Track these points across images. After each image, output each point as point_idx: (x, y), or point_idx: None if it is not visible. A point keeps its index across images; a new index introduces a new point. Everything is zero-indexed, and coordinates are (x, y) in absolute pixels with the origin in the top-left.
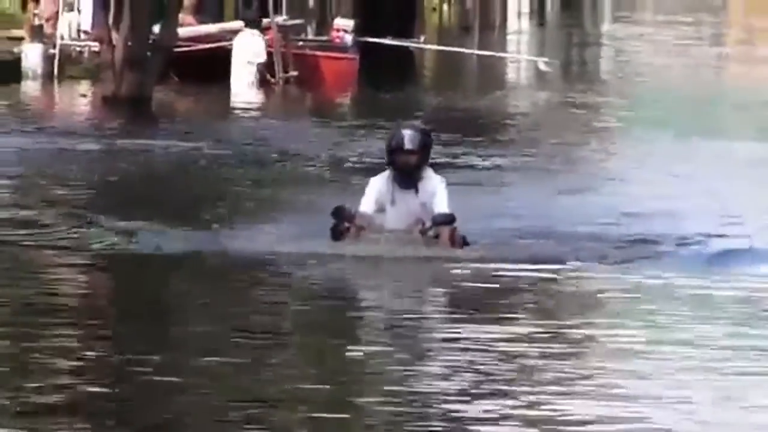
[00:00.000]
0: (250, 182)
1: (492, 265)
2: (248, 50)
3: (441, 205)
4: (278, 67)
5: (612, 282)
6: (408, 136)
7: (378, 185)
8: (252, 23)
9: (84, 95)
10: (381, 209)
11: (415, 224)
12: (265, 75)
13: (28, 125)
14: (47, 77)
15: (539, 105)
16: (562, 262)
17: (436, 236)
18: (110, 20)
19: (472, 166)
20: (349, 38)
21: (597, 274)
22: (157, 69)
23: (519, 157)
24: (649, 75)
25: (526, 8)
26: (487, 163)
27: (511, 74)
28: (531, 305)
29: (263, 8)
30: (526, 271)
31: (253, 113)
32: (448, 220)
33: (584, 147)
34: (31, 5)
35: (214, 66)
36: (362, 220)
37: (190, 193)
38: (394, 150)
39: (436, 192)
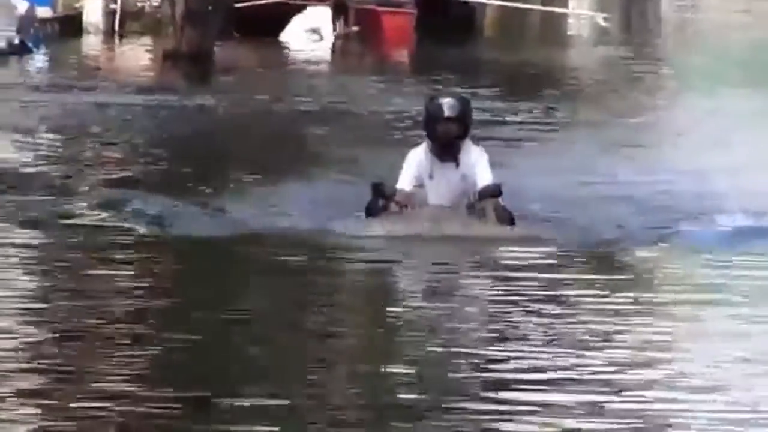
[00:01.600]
0: (305, 139)
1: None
2: (312, 17)
3: (484, 176)
4: (339, 22)
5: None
6: (447, 104)
7: (416, 159)
8: None
9: (146, 51)
10: (419, 184)
11: (460, 198)
12: (326, 31)
13: (91, 82)
14: (108, 33)
15: (598, 60)
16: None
17: (482, 210)
18: None
19: (520, 123)
20: None
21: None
22: (218, 24)
23: (576, 113)
24: (711, 30)
25: None
26: (542, 120)
27: (571, 29)
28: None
29: None
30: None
31: (316, 68)
32: (495, 191)
33: (642, 103)
34: None
35: (275, 22)
36: (402, 197)
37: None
38: (433, 119)
39: (477, 163)
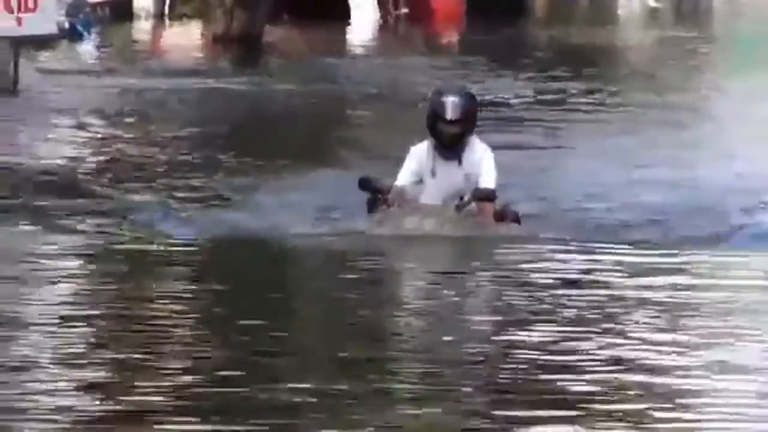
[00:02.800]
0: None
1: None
2: None
3: (487, 177)
4: (390, 5)
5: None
6: (450, 104)
7: (418, 155)
8: None
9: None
10: (420, 181)
11: (453, 198)
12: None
13: (141, 65)
14: (158, 16)
15: (648, 41)
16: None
17: (477, 211)
18: None
19: (566, 103)
20: None
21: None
22: (268, 7)
23: (623, 96)
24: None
25: None
26: (587, 101)
27: (621, 10)
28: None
29: None
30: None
31: (368, 52)
32: (488, 196)
33: (689, 87)
34: None
35: (325, 3)
36: (394, 193)
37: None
38: (435, 119)
39: (481, 162)
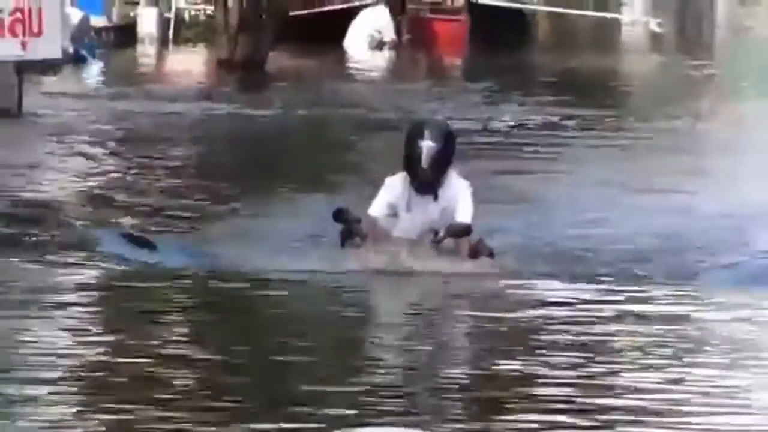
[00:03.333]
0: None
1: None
2: (372, 19)
3: (463, 213)
4: (393, 31)
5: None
6: (426, 151)
7: (393, 188)
8: None
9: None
10: (394, 214)
11: (428, 232)
12: (381, 40)
13: (144, 89)
14: (162, 41)
15: (651, 68)
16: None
17: (452, 246)
18: None
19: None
20: (461, 1)
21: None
22: (272, 32)
23: (621, 128)
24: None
25: None
26: (582, 134)
27: (624, 36)
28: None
29: None
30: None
31: (371, 76)
32: (463, 231)
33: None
34: None
35: (330, 30)
36: (368, 225)
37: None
38: (411, 163)
39: (458, 197)
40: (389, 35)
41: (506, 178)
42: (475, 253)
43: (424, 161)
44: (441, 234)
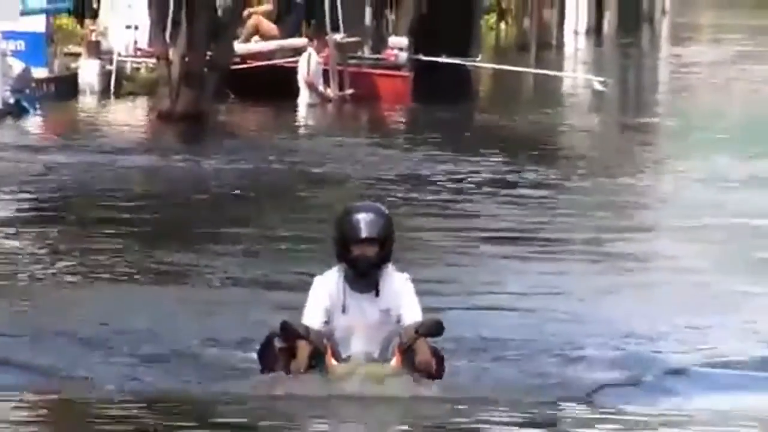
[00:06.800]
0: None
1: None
2: (305, 68)
3: (412, 310)
4: (334, 85)
5: None
6: (365, 222)
7: (326, 288)
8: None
9: (142, 111)
10: (328, 320)
11: (380, 340)
12: (320, 93)
13: (85, 141)
14: (103, 93)
15: (592, 126)
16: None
17: (412, 352)
18: (167, 37)
19: (515, 194)
20: (403, 56)
21: None
22: (214, 86)
23: (563, 192)
24: (708, 95)
25: (583, 27)
26: (532, 192)
27: (566, 93)
28: None
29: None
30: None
31: (306, 131)
32: (436, 329)
33: (633, 179)
34: (88, 21)
35: (271, 83)
36: (316, 338)
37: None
38: (347, 240)
39: (401, 294)
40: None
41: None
42: (437, 357)
43: (364, 230)
44: (404, 338)
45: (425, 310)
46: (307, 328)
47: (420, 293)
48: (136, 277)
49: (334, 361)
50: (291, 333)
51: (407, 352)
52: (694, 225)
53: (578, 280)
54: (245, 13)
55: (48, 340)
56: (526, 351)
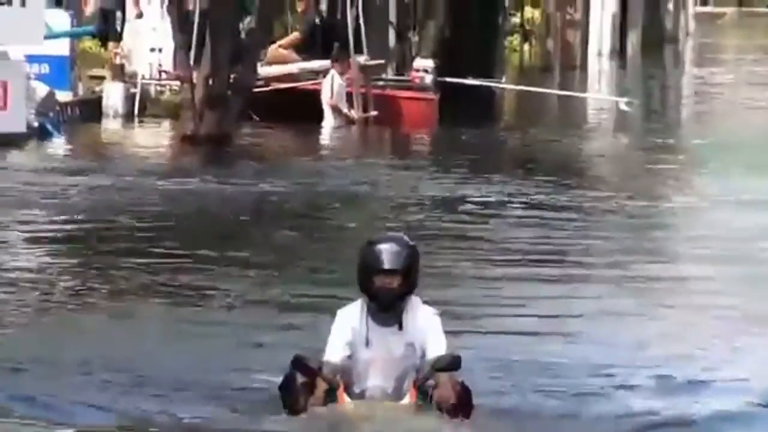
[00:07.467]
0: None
1: None
2: (328, 90)
3: (437, 345)
4: (358, 107)
5: None
6: (387, 253)
7: (349, 321)
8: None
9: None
10: (351, 354)
11: (393, 377)
12: (344, 115)
13: (110, 164)
14: (128, 116)
15: (617, 147)
16: None
17: (432, 388)
18: (191, 60)
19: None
20: (429, 78)
21: None
22: (238, 109)
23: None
24: (734, 116)
25: (606, 48)
26: (556, 215)
27: (591, 115)
28: None
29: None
30: None
31: (330, 154)
32: (453, 364)
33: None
34: (112, 44)
35: (295, 106)
36: (331, 372)
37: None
38: (370, 271)
39: (426, 328)
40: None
41: None
42: (457, 396)
43: (386, 261)
44: (422, 373)
45: (448, 333)
46: (319, 363)
47: (443, 316)
48: (156, 298)
49: (346, 397)
50: (303, 368)
51: (429, 389)
52: (721, 247)
53: (603, 303)
54: (273, 47)
55: (69, 369)
56: (554, 376)
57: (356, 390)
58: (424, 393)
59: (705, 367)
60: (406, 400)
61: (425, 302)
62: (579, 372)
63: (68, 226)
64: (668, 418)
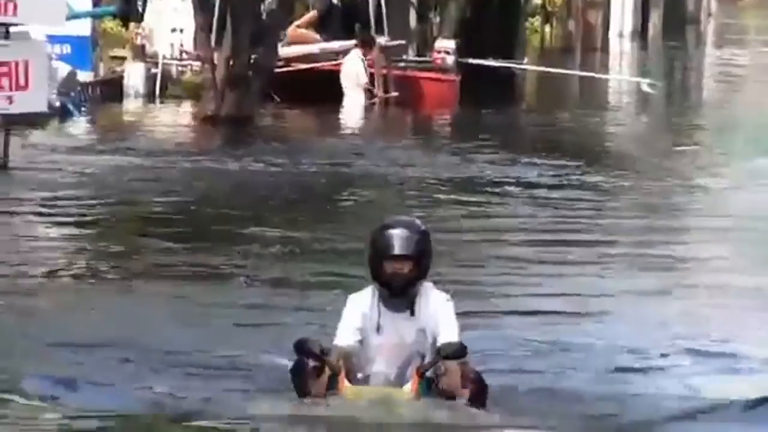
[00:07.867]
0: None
1: None
2: (353, 71)
3: (448, 331)
4: (378, 88)
5: None
6: (398, 238)
7: (360, 307)
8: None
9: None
10: (361, 340)
11: (403, 362)
12: (367, 95)
13: (131, 144)
14: (149, 96)
15: (640, 128)
16: None
17: (439, 375)
18: (212, 40)
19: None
20: (450, 59)
21: None
22: (258, 89)
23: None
24: (756, 97)
25: (628, 29)
26: (578, 194)
27: (613, 96)
28: None
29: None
30: None
31: (351, 134)
32: (458, 352)
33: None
34: (133, 24)
35: (315, 86)
36: (338, 355)
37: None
38: (379, 258)
39: (438, 314)
40: (363, 79)
41: None
42: (464, 381)
43: (397, 247)
44: (430, 359)
45: (464, 315)
46: (321, 347)
47: (460, 295)
48: (177, 278)
49: (347, 383)
50: (305, 353)
51: (436, 376)
52: (745, 227)
53: (627, 283)
54: (290, 28)
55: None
56: (583, 356)
57: (359, 375)
58: (428, 380)
59: (734, 347)
60: (408, 386)
61: (440, 288)
62: (607, 351)
63: (89, 204)
64: (704, 397)
